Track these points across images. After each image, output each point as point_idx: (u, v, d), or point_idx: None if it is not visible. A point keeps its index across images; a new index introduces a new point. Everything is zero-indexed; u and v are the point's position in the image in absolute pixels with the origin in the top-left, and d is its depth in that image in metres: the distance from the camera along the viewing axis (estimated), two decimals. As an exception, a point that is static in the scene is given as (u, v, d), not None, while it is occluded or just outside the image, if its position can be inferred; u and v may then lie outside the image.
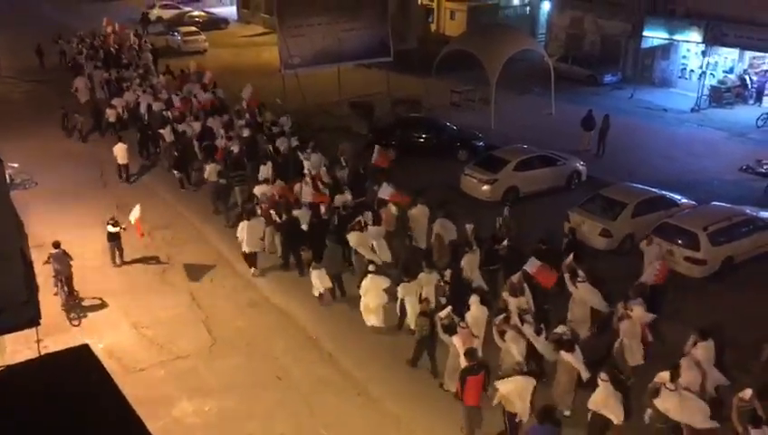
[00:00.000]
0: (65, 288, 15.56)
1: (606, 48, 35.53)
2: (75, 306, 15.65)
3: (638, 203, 17.96)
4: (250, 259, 17.06)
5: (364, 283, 14.32)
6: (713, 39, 29.58)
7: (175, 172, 21.99)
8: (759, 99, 30.23)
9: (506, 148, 22.45)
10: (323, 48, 30.28)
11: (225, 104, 27.29)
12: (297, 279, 16.75)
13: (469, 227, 15.43)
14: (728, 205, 18.19)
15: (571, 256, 14.16)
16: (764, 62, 30.62)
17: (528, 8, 44.50)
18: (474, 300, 12.70)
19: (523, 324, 12.18)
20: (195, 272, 17.39)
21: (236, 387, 13.28)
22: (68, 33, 40.73)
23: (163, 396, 12.92)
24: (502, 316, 12.44)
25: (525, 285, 13.36)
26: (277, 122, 24.12)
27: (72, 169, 23.61)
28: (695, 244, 16.22)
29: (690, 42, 31.07)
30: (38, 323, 5.33)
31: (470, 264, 14.53)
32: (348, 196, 17.99)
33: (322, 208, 17.33)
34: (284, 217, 16.93)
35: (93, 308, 15.83)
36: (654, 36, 32.23)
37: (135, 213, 17.39)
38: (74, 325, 15.20)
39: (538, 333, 12.01)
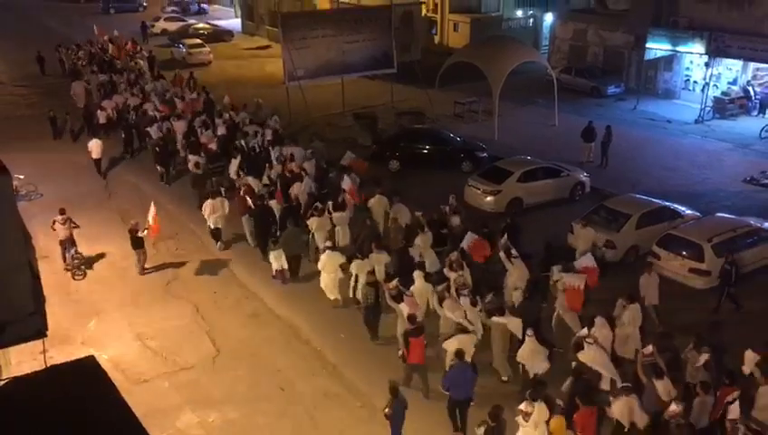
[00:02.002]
0: (71, 250, 17.61)
1: (609, 60, 35.61)
2: (79, 264, 17.57)
3: (642, 214, 17.95)
4: (215, 234, 18.93)
5: (321, 259, 15.79)
6: (716, 51, 29.63)
7: (158, 167, 23.66)
8: (763, 110, 30.22)
9: (510, 159, 22.49)
10: (327, 60, 30.45)
11: (213, 107, 28.37)
12: (301, 290, 16.77)
13: (419, 213, 17.23)
14: (732, 216, 18.19)
15: (506, 235, 15.85)
16: (768, 74, 30.69)
17: (531, 20, 44.67)
18: (417, 274, 14.29)
19: (459, 296, 13.56)
20: (199, 283, 17.44)
21: (240, 399, 13.27)
22: (69, 42, 41.84)
23: (167, 407, 12.92)
24: (443, 285, 14.17)
25: (464, 262, 14.89)
26: (254, 121, 25.92)
27: (76, 180, 23.72)
28: (699, 255, 16.21)
29: (693, 53, 31.13)
30: (45, 335, 5.36)
31: (424, 244, 16.11)
32: (309, 185, 19.44)
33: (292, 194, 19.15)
34: (256, 204, 18.38)
35: (96, 263, 17.76)
36: (657, 48, 32.27)
37: (151, 212, 18.13)
38: (78, 279, 17.37)
39: (473, 304, 13.34)
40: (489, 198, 20.51)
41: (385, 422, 11.59)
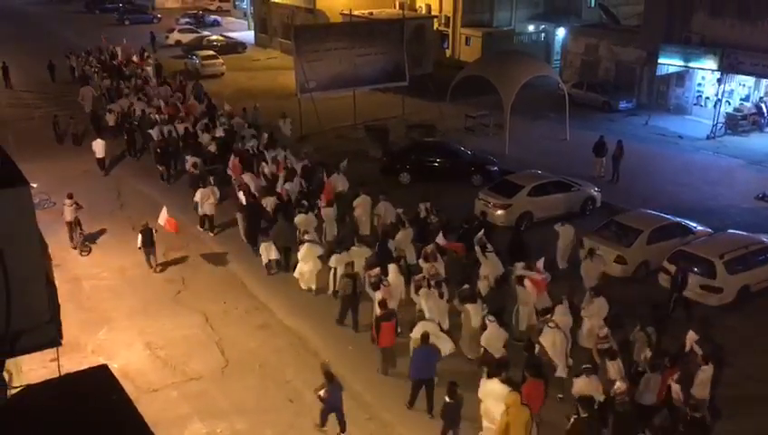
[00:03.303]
0: (77, 230, 19.38)
1: (621, 75, 35.61)
2: (84, 241, 19.45)
3: (653, 230, 17.89)
4: (203, 220, 20.43)
5: (301, 249, 16.82)
6: (728, 67, 29.58)
7: (158, 166, 24.74)
8: (775, 127, 30.16)
9: (521, 173, 22.48)
10: (339, 73, 30.62)
11: (215, 112, 29.59)
12: (309, 302, 16.81)
13: (400, 209, 18.58)
14: (745, 233, 18.09)
15: (482, 231, 16.89)
16: (780, 91, 30.60)
17: (543, 35, 44.81)
18: (392, 267, 15.36)
19: (430, 287, 14.67)
20: (209, 293, 17.48)
21: (248, 409, 13.27)
22: (78, 50, 43.37)
23: (176, 417, 12.93)
24: (420, 275, 15.41)
25: (438, 254, 16.09)
26: (251, 125, 27.46)
27: (88, 189, 23.81)
28: (711, 272, 16.12)
29: (706, 69, 31.09)
30: (60, 344, 5.40)
31: (405, 239, 17.38)
32: (298, 182, 20.95)
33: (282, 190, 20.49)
34: (248, 201, 19.57)
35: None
36: (669, 63, 32.25)
37: (163, 214, 18.94)
38: (84, 255, 19.21)
39: (441, 296, 14.54)
40: (499, 212, 20.49)
41: (392, 434, 11.55)
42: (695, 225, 18.76)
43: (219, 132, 25.92)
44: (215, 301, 17.10)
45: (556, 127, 30.24)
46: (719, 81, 30.43)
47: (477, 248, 16.20)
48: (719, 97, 30.22)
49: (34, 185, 21.79)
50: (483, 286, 15.52)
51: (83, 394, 5.14)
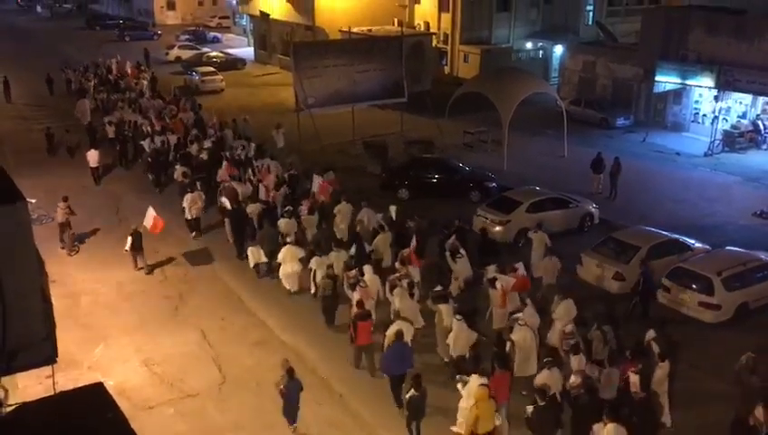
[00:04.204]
0: (67, 232, 20.20)
1: (618, 92, 35.78)
2: (73, 241, 20.23)
3: (651, 247, 17.88)
4: (190, 224, 21.31)
5: (282, 252, 17.59)
6: (725, 84, 29.75)
7: (149, 175, 25.76)
8: (772, 144, 30.25)
9: (519, 189, 22.53)
10: (338, 89, 30.73)
11: (204, 124, 30.49)
12: (307, 318, 16.75)
13: (380, 215, 19.53)
14: (742, 250, 18.06)
15: (453, 237, 17.58)
16: (777, 108, 30.72)
17: (541, 52, 45.07)
18: (367, 268, 16.21)
19: (399, 287, 15.43)
20: (206, 309, 17.44)
21: (245, 427, 13.20)
22: (74, 64, 44.54)
23: (172, 435, 12.85)
24: (395, 275, 16.13)
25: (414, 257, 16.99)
26: (241, 136, 28.42)
27: (87, 204, 23.82)
28: (709, 289, 16.11)
29: (702, 87, 31.25)
30: (55, 361, 5.38)
31: (383, 242, 18.28)
32: (283, 190, 21.95)
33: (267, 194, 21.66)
34: (233, 206, 20.50)
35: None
36: (666, 81, 32.44)
37: (149, 215, 19.55)
38: (72, 255, 20.05)
39: (411, 296, 15.34)
40: (498, 228, 20.49)
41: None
42: (692, 241, 18.76)
43: (208, 143, 26.81)
44: (212, 317, 17.04)
45: (554, 143, 30.34)
46: (716, 98, 30.58)
47: (447, 254, 16.97)
48: (716, 114, 30.36)
49: (33, 201, 21.85)
50: (454, 288, 16.34)
51: (79, 412, 5.11)
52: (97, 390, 5.63)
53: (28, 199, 5.16)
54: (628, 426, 10.97)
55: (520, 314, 14.24)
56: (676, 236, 18.86)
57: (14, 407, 5.75)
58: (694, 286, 16.27)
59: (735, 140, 30.26)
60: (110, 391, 6.01)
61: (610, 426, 10.69)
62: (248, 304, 17.66)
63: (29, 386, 12.64)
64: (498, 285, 15.49)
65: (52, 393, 6.50)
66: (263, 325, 16.73)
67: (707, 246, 18.61)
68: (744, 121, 31.05)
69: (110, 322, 16.79)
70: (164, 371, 14.91)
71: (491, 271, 16.04)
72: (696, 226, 21.59)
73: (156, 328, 16.58)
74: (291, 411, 12.77)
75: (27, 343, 4.94)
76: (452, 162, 26.25)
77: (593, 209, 22.08)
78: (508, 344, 13.61)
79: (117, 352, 15.61)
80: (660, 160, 29.18)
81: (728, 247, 18.45)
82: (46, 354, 5.26)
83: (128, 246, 18.88)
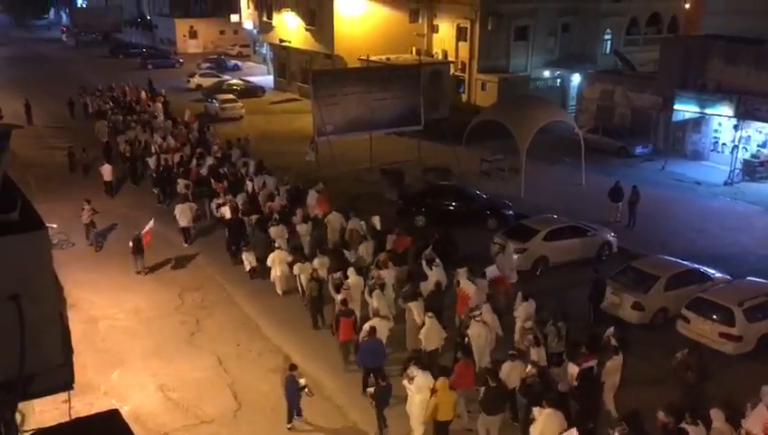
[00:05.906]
0: (93, 230, 22.65)
1: (636, 120, 35.72)
2: (98, 239, 22.53)
3: (670, 276, 17.70)
4: (183, 233, 23.03)
5: (271, 256, 19.15)
6: (745, 113, 29.61)
7: (154, 190, 27.42)
8: (793, 173, 29.96)
9: (536, 217, 22.44)
10: (356, 116, 31.00)
11: (209, 143, 32.54)
12: (323, 346, 16.69)
13: (364, 222, 21.03)
14: (764, 280, 17.81)
15: (430, 248, 18.79)
16: (798, 137, 30.47)
17: (558, 80, 45.19)
18: (351, 271, 17.33)
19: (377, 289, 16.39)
20: (223, 335, 17.47)
21: (260, 455, 13.13)
22: (91, 88, 47.25)
23: (186, 462, 12.81)
24: (374, 278, 17.10)
25: (390, 262, 17.97)
26: (244, 154, 30.13)
27: (108, 229, 24.15)
28: (730, 319, 15.86)
29: (722, 116, 31.10)
30: (72, 388, 5.41)
31: (366, 250, 19.50)
32: (279, 203, 23.65)
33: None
34: (232, 216, 22.25)
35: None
36: (685, 110, 32.33)
37: (148, 226, 21.06)
38: (98, 251, 22.36)
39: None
40: (515, 256, 20.39)
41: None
42: (713, 271, 18.54)
43: (210, 160, 28.57)
44: (228, 343, 17.07)
45: (572, 172, 30.27)
46: (736, 127, 30.40)
47: (423, 262, 18.05)
48: (736, 143, 30.17)
49: (53, 226, 22.16)
50: (425, 289, 17.21)
51: (93, 439, 5.13)
52: (112, 416, 5.66)
53: (49, 225, 5.23)
54: (566, 411, 12.00)
55: (477, 312, 15.32)
56: (696, 265, 18.67)
57: (30, 433, 5.78)
58: (714, 317, 16.04)
59: (756, 169, 30.02)
60: (126, 417, 6.02)
61: (548, 410, 11.64)
62: (264, 331, 17.67)
63: (45, 411, 12.68)
64: (460, 290, 16.61)
65: (68, 420, 6.51)
66: (279, 352, 16.71)
67: (728, 277, 18.38)
68: (765, 151, 30.80)
69: (128, 347, 16.86)
70: (180, 396, 14.91)
71: (461, 274, 16.97)
72: (717, 255, 21.36)
73: (172, 353, 16.63)
74: (289, 409, 13.66)
75: (44, 370, 4.97)
76: (469, 190, 26.26)
77: (611, 238, 21.92)
78: (466, 340, 14.86)
79: (133, 378, 15.65)
80: (680, 189, 28.99)
81: (749, 278, 18.19)
82: (64, 380, 5.28)
83: (131, 250, 20.69)
